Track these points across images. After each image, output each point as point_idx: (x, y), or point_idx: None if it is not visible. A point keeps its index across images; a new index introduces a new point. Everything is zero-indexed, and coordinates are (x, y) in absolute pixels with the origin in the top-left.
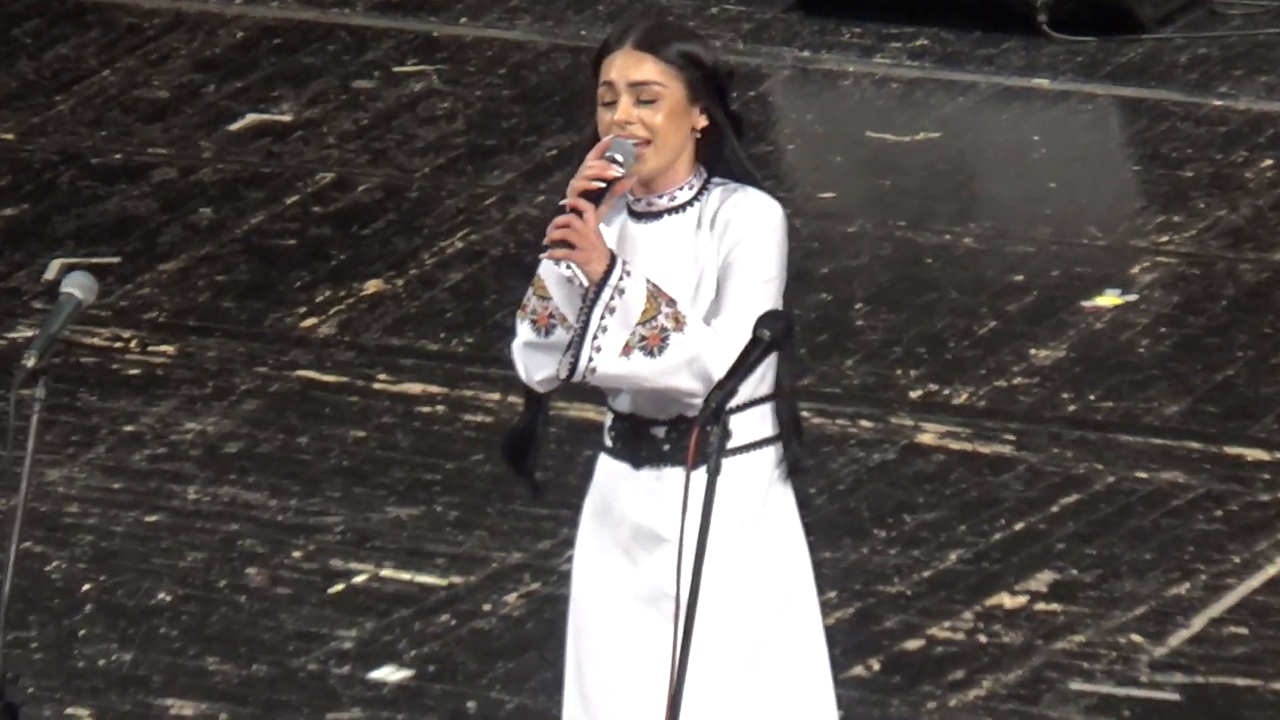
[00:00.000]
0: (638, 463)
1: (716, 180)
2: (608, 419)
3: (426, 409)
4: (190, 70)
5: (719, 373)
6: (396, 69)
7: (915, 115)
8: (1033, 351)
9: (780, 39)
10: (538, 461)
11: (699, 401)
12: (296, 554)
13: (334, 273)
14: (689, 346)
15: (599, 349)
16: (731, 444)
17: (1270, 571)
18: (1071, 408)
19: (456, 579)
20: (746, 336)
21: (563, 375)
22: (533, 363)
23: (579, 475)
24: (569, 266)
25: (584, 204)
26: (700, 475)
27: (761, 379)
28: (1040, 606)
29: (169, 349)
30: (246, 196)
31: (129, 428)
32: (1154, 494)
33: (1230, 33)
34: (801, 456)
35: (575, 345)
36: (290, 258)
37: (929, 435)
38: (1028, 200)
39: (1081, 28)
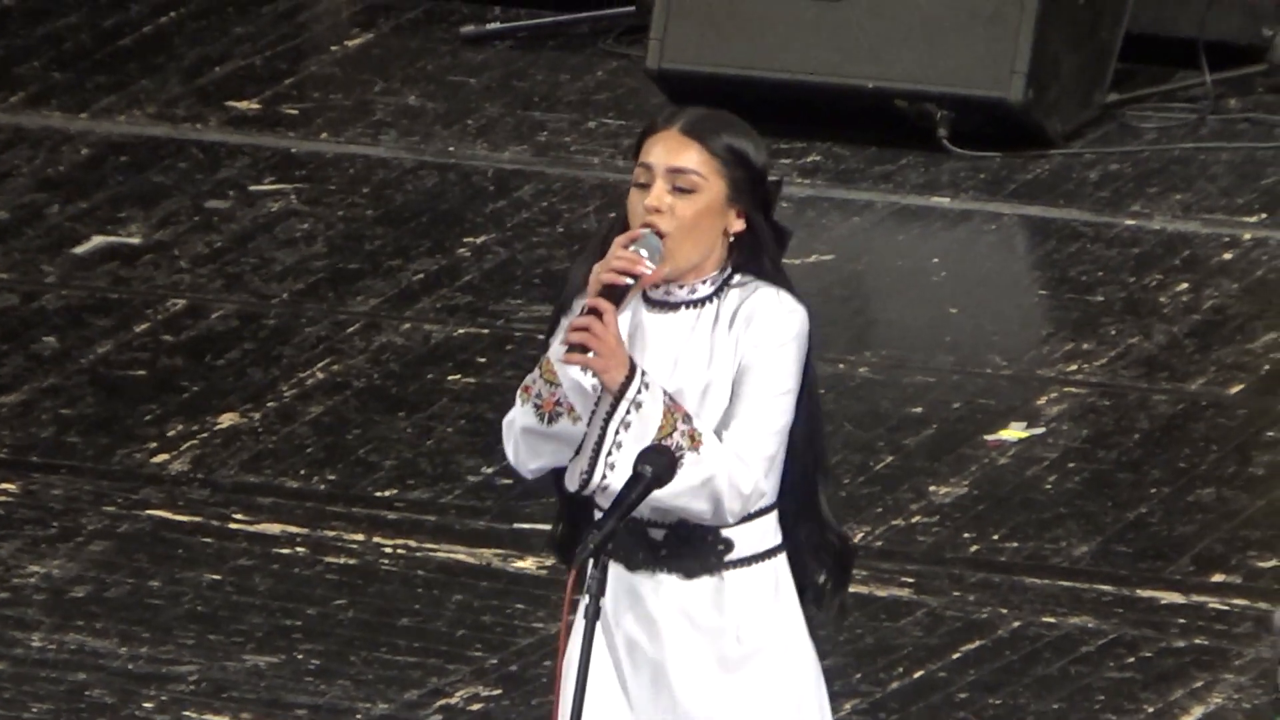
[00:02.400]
0: (633, 565)
1: (738, 279)
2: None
3: (286, 550)
4: (32, 189)
5: (731, 497)
6: (252, 188)
7: (807, 236)
8: (933, 488)
9: None
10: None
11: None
12: (148, 705)
13: (186, 405)
14: (704, 468)
15: (612, 466)
16: (732, 556)
17: None
18: (974, 548)
19: None
20: (763, 453)
21: (573, 488)
22: (528, 449)
23: (448, 622)
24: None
25: (605, 304)
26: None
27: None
28: None
29: (10, 487)
30: (93, 324)
31: None
32: (1062, 640)
33: (1143, 148)
34: (828, 593)
35: (589, 458)
36: (140, 390)
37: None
38: (927, 327)
39: (984, 143)
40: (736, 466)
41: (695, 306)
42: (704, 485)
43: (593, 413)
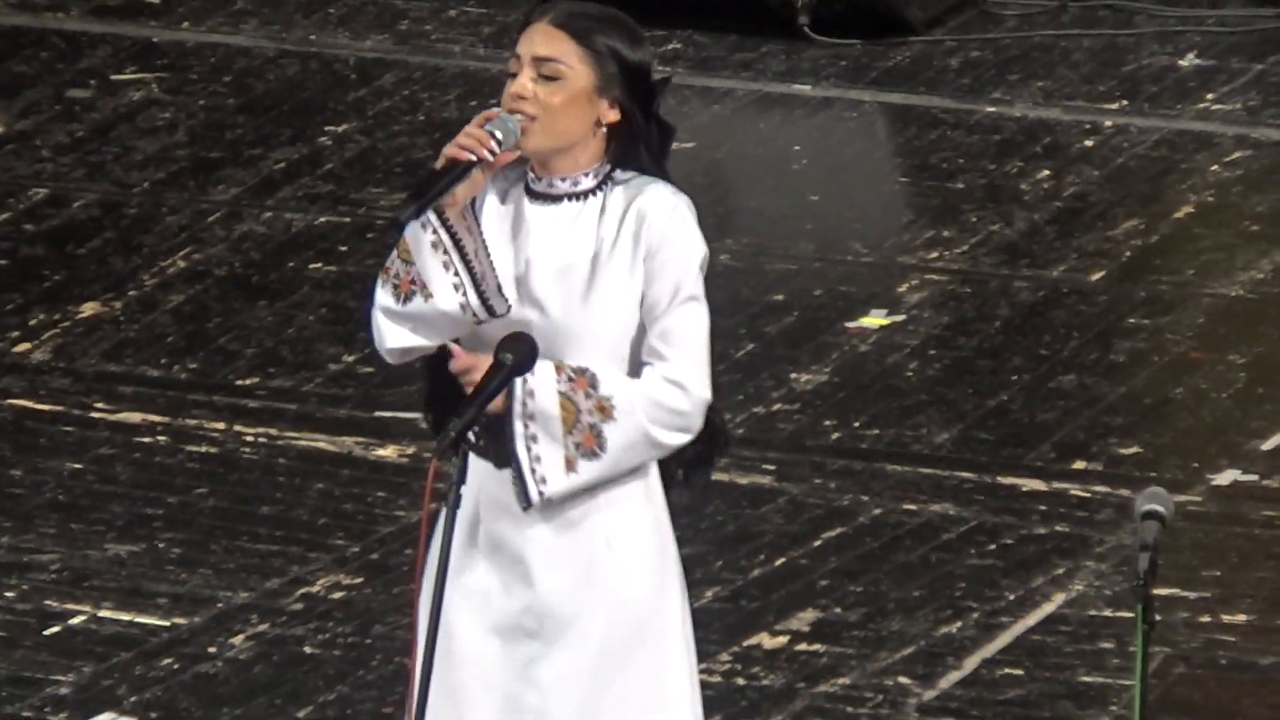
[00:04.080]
0: (500, 461)
1: (620, 174)
2: None
3: (147, 439)
4: None
5: (671, 427)
6: (114, 77)
7: None
8: (794, 376)
9: None
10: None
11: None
12: (9, 594)
13: (48, 294)
14: (628, 431)
15: (543, 479)
16: None
17: (1046, 609)
18: (835, 435)
19: (180, 620)
20: (696, 363)
21: (521, 508)
22: (388, 330)
23: (310, 510)
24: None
25: (466, 362)
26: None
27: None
28: (802, 647)
29: None
30: None
31: None
32: (923, 527)
33: (1004, 35)
34: (686, 482)
35: (518, 479)
36: (1, 279)
37: None
38: (788, 214)
39: (845, 30)
40: (660, 399)
41: (578, 199)
42: (639, 443)
43: (500, 440)
